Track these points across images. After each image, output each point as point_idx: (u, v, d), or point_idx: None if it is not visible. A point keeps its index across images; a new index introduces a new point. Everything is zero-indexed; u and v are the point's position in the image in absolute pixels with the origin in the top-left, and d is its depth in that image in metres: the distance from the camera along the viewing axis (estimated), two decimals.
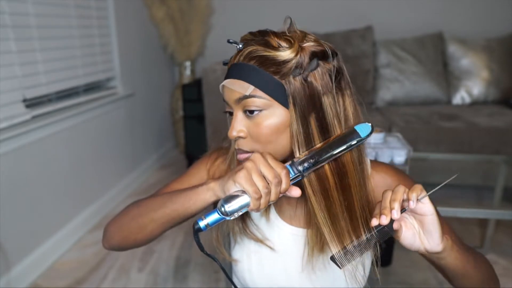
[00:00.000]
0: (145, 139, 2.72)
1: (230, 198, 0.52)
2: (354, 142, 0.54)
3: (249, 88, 0.54)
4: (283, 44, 0.54)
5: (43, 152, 1.67)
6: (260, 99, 0.54)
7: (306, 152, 0.54)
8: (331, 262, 0.63)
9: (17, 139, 1.51)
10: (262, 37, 0.55)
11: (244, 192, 0.51)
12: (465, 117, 2.19)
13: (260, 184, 0.51)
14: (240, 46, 0.57)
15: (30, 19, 1.60)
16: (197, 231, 0.54)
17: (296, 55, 0.53)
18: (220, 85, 0.58)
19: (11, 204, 1.50)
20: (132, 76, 2.49)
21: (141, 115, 2.65)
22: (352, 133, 0.55)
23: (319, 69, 0.54)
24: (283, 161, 0.59)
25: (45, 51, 1.69)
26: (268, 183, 0.51)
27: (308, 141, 0.55)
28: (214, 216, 0.53)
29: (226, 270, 0.61)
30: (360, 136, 0.54)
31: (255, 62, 0.54)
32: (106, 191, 2.20)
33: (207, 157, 0.73)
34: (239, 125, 0.57)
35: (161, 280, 1.60)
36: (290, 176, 0.53)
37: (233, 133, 0.57)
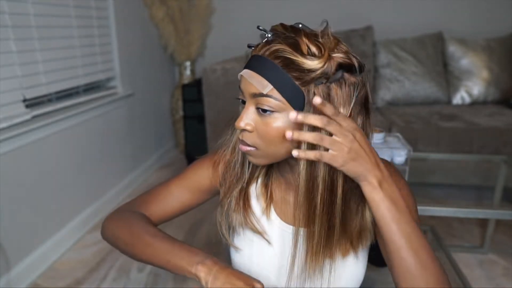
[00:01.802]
0: (145, 139, 2.72)
1: None
2: None
3: (267, 87, 0.53)
4: (313, 50, 0.52)
5: (43, 152, 1.67)
6: (276, 100, 0.53)
7: None
8: (329, 260, 0.63)
9: (17, 139, 1.51)
10: (293, 35, 0.54)
11: None
12: (465, 117, 2.19)
13: None
14: (269, 35, 0.55)
15: (30, 19, 1.60)
16: None
17: (324, 63, 0.52)
18: (239, 74, 0.57)
19: (11, 204, 1.50)
20: (132, 76, 2.49)
21: (141, 115, 2.65)
22: None
23: (342, 80, 0.53)
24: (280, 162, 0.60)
25: (45, 51, 1.69)
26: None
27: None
28: None
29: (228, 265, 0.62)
30: None
31: (280, 62, 0.52)
32: (106, 191, 2.20)
33: (210, 156, 0.74)
34: (248, 118, 0.56)
35: (161, 280, 1.60)
36: None
37: (241, 124, 0.57)
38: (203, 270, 0.54)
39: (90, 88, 2.12)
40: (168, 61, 3.12)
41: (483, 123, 2.11)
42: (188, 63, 3.03)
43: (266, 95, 0.53)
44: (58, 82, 1.79)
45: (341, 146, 0.49)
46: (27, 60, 1.58)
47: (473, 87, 2.50)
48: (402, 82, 2.54)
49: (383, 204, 0.52)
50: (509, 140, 2.04)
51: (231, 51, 2.71)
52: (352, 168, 0.51)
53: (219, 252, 1.76)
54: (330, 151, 0.49)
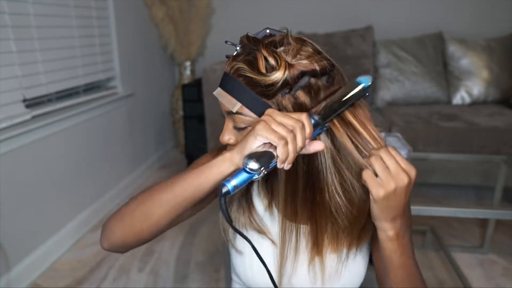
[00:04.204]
0: (145, 139, 2.72)
1: (254, 154, 0.48)
2: (360, 89, 0.54)
3: (236, 105, 0.54)
4: (271, 62, 0.51)
5: (43, 152, 1.67)
6: (247, 117, 0.54)
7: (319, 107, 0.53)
8: (330, 259, 0.63)
9: (17, 139, 1.51)
10: (254, 47, 0.53)
11: (267, 146, 0.48)
12: (465, 117, 2.19)
13: (283, 130, 0.48)
14: (238, 48, 0.56)
15: (30, 19, 1.60)
16: (225, 194, 0.48)
17: (283, 75, 0.51)
18: (213, 93, 0.59)
19: (11, 204, 1.50)
20: (132, 76, 2.49)
21: (141, 115, 2.65)
22: (355, 84, 0.54)
23: (310, 85, 0.53)
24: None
25: (45, 51, 1.69)
26: (291, 129, 0.48)
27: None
28: (242, 176, 0.48)
29: (228, 265, 0.61)
30: (364, 85, 0.54)
31: (243, 80, 0.53)
32: (106, 191, 2.20)
33: (210, 154, 0.74)
34: (229, 133, 0.59)
35: (161, 280, 1.60)
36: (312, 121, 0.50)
37: (224, 138, 0.59)
38: (229, 151, 0.52)
39: (90, 88, 2.12)
40: (168, 61, 3.12)
41: (483, 123, 2.11)
42: (188, 63, 3.03)
43: (237, 113, 0.55)
44: (58, 82, 1.79)
45: (390, 180, 0.49)
46: (27, 60, 1.58)
47: (473, 87, 2.50)
48: (402, 82, 2.54)
49: (395, 254, 0.55)
50: (509, 140, 2.04)
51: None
52: (382, 209, 0.51)
53: (218, 252, 1.76)
54: (379, 178, 0.49)
